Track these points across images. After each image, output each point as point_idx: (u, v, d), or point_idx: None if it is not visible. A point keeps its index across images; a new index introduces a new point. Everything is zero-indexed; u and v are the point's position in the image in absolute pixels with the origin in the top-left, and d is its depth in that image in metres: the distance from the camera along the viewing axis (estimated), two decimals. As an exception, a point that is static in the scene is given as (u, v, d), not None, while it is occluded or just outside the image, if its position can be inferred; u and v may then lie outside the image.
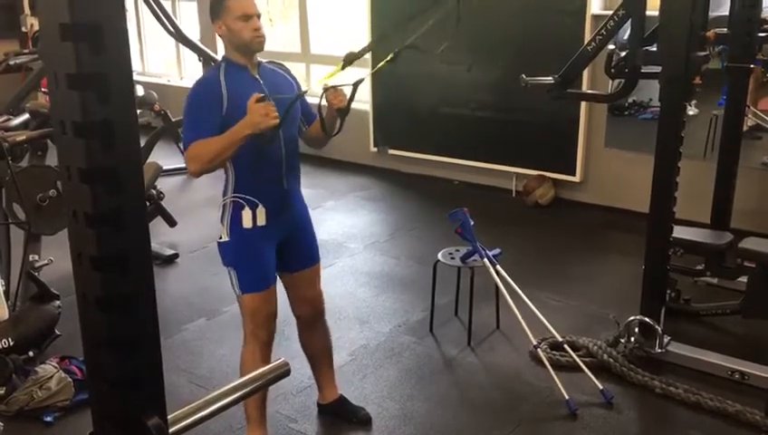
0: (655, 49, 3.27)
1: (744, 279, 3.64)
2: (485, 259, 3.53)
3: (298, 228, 2.82)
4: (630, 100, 5.13)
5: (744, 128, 4.38)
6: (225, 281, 2.77)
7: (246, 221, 2.63)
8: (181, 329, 3.90)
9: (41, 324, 3.56)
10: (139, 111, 4.90)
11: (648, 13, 3.32)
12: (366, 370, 3.50)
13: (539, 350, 3.37)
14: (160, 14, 5.93)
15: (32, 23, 8.42)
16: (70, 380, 3.24)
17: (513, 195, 5.97)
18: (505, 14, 5.68)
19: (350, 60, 2.26)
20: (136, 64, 8.75)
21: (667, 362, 3.39)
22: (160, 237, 4.97)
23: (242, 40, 2.57)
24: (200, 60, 6.44)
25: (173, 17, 6.23)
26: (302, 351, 3.09)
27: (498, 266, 3.53)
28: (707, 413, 3.07)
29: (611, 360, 3.38)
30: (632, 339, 3.40)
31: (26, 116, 4.52)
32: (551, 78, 3.63)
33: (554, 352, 3.46)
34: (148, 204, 4.50)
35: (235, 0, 2.55)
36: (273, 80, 2.68)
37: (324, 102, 2.52)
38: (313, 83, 6.31)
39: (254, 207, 2.63)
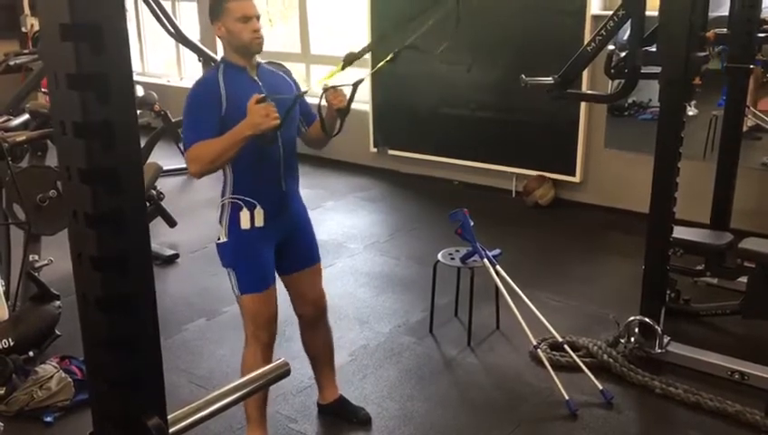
0: (654, 49, 3.27)
1: (743, 279, 3.64)
2: (485, 260, 3.53)
3: (296, 229, 2.82)
4: (630, 100, 5.13)
5: (744, 128, 4.38)
6: (224, 281, 2.77)
7: (244, 222, 2.63)
8: (181, 329, 3.90)
9: (41, 325, 3.56)
10: (138, 112, 4.90)
11: (648, 13, 3.32)
12: (366, 370, 3.50)
13: (539, 350, 3.37)
14: (160, 15, 5.94)
15: (32, 23, 8.42)
16: (70, 380, 3.24)
17: (513, 195, 5.97)
18: (505, 14, 5.68)
19: (349, 60, 2.26)
20: (136, 65, 8.76)
21: (666, 363, 3.39)
22: (160, 238, 4.98)
23: (241, 41, 2.57)
24: (200, 60, 6.44)
25: (173, 18, 6.23)
26: (302, 351, 3.09)
27: (498, 267, 3.53)
28: (707, 413, 3.07)
29: (611, 360, 3.38)
30: (632, 339, 3.40)
31: (26, 116, 4.52)
32: (550, 78, 3.63)
33: (554, 353, 3.46)
34: (148, 204, 4.50)
35: (235, 2, 2.55)
36: (272, 81, 2.68)
37: (324, 103, 2.52)
38: (313, 84, 6.31)
39: (251, 209, 2.63)
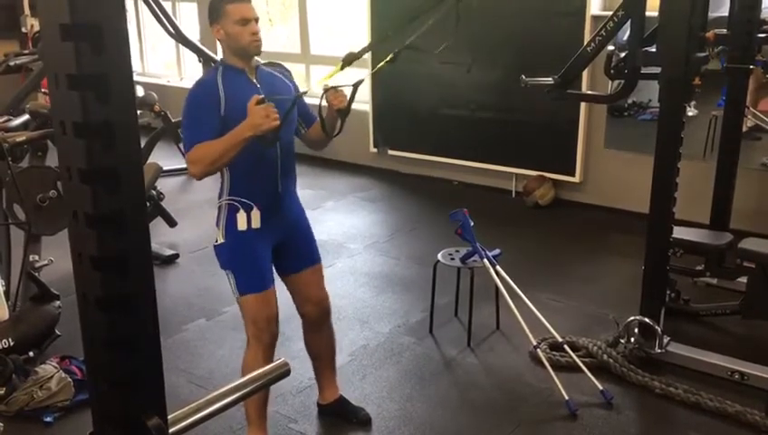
0: (654, 50, 3.27)
1: (743, 279, 3.64)
2: (485, 260, 3.53)
3: (294, 230, 2.82)
4: (630, 100, 5.13)
5: (744, 128, 4.38)
6: (224, 282, 2.77)
7: (241, 224, 2.63)
8: (181, 329, 3.90)
9: (41, 325, 3.56)
10: (139, 112, 4.90)
11: (648, 13, 3.32)
12: (366, 370, 3.50)
13: (539, 350, 3.37)
14: (160, 15, 5.94)
15: (32, 23, 8.42)
16: (70, 380, 3.24)
17: (513, 195, 5.97)
18: (505, 14, 5.68)
19: (349, 60, 2.27)
20: (136, 65, 8.76)
21: (666, 363, 3.39)
22: (160, 238, 4.97)
23: (239, 44, 2.57)
24: (200, 61, 6.44)
25: (173, 18, 6.23)
26: (302, 351, 3.10)
27: (498, 267, 3.53)
28: (707, 414, 3.07)
29: (611, 360, 3.38)
30: (632, 339, 3.40)
31: (26, 117, 4.52)
32: (550, 79, 3.64)
33: (554, 353, 3.46)
34: (148, 204, 4.50)
35: (234, 5, 2.55)
36: (271, 83, 2.68)
37: (324, 103, 2.53)
38: (313, 84, 6.31)
39: (248, 210, 2.63)
